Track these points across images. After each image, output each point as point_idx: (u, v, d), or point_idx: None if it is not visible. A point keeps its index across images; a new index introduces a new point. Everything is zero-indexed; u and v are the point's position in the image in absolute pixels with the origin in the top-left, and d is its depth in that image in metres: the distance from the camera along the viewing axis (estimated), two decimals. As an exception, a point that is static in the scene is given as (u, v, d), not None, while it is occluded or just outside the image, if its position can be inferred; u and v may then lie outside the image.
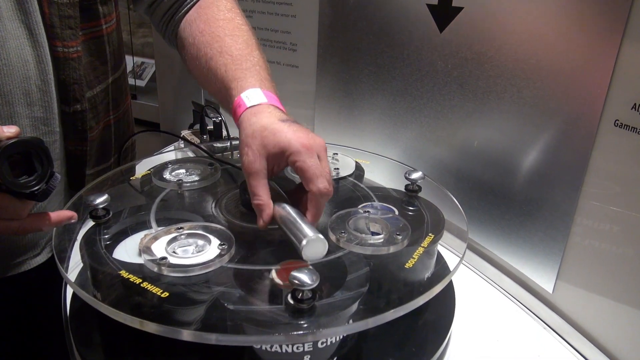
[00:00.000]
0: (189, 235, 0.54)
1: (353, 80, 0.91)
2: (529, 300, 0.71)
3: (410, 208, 0.67)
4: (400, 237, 0.56)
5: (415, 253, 0.56)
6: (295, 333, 0.44)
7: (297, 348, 0.48)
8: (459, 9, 0.72)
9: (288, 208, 0.53)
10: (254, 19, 1.04)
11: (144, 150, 0.89)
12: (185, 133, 1.14)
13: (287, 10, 0.98)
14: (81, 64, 0.63)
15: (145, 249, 0.52)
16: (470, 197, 0.78)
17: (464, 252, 0.59)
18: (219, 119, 1.03)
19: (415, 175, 0.69)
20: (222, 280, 0.50)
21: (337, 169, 0.74)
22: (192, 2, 0.68)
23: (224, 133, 1.03)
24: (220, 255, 0.51)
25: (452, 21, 0.73)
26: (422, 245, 0.57)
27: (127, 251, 0.54)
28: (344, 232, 0.56)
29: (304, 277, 0.44)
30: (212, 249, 0.52)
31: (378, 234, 0.58)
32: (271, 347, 0.48)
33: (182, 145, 1.12)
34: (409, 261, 0.55)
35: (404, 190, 0.70)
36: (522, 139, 0.70)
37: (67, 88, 0.62)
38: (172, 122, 1.33)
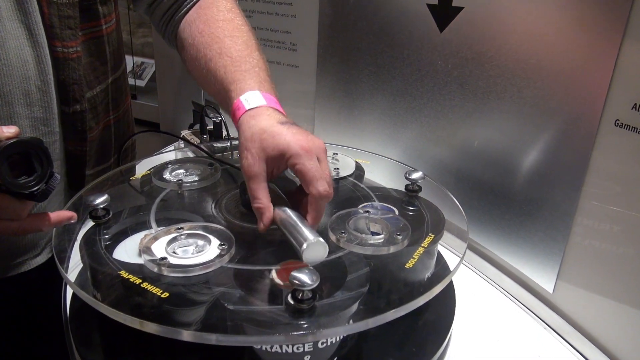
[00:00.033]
0: (189, 236, 0.54)
1: (353, 80, 0.91)
2: (529, 300, 0.71)
3: (411, 208, 0.67)
4: (400, 237, 0.56)
5: (416, 253, 0.56)
6: (295, 333, 0.44)
7: (297, 348, 0.48)
8: (459, 8, 0.72)
9: (288, 211, 0.53)
10: (254, 19, 1.04)
11: (144, 150, 0.89)
12: (185, 133, 1.14)
13: (287, 10, 0.98)
14: (81, 64, 0.63)
15: (145, 249, 0.52)
16: (470, 197, 0.78)
17: (464, 252, 0.59)
18: (219, 119, 1.03)
19: (416, 175, 0.69)
20: (222, 280, 0.50)
21: (337, 169, 0.74)
22: (191, 2, 0.68)
23: (224, 133, 1.03)
24: (220, 256, 0.51)
25: (452, 21, 0.73)
26: (422, 245, 0.57)
27: (127, 251, 0.54)
28: (344, 232, 0.56)
29: (304, 277, 0.44)
30: (212, 249, 0.52)
31: (378, 234, 0.58)
32: (271, 348, 0.48)
33: (182, 146, 1.12)
34: (409, 261, 0.55)
35: (404, 190, 0.70)
36: (523, 138, 0.70)
37: (67, 88, 0.62)
38: (172, 122, 1.33)
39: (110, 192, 0.60)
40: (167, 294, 0.47)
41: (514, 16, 0.67)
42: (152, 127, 1.49)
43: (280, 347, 0.48)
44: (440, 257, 0.63)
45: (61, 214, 0.53)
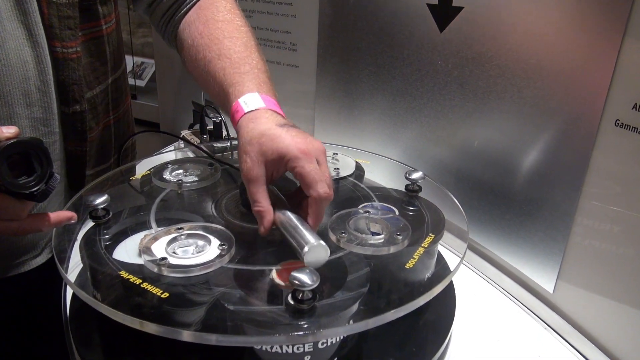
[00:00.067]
0: (189, 236, 0.54)
1: (353, 80, 0.91)
2: (529, 300, 0.71)
3: (411, 208, 0.67)
4: (400, 237, 0.56)
5: (416, 253, 0.56)
6: (295, 334, 0.44)
7: (298, 348, 0.48)
8: (459, 8, 0.72)
9: (289, 214, 0.53)
10: (254, 19, 1.04)
11: (144, 151, 0.89)
12: (185, 133, 1.14)
13: (287, 10, 0.98)
14: (80, 64, 0.63)
15: (145, 250, 0.52)
16: (470, 197, 0.78)
17: (465, 252, 0.59)
18: (219, 119, 1.02)
19: (416, 175, 0.69)
20: (222, 280, 0.50)
21: (337, 169, 0.74)
22: (191, 3, 0.68)
23: (224, 133, 1.03)
24: (220, 256, 0.51)
25: (453, 21, 0.73)
26: (422, 245, 0.57)
27: (127, 251, 0.54)
28: (344, 233, 0.56)
29: (304, 277, 0.44)
30: (212, 249, 0.52)
31: (378, 234, 0.58)
32: (271, 348, 0.48)
33: (182, 146, 1.12)
34: (410, 261, 0.55)
35: (404, 190, 0.70)
36: (523, 138, 0.70)
37: (67, 89, 0.62)
38: (172, 122, 1.33)
39: (110, 192, 0.60)
40: (167, 294, 0.47)
41: (514, 16, 0.67)
42: (152, 127, 1.49)
43: (281, 347, 0.48)
44: (440, 257, 0.63)
45: (61, 214, 0.53)
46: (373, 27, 0.84)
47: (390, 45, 0.83)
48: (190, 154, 1.03)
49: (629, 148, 0.56)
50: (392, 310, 0.46)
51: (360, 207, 0.63)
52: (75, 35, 0.61)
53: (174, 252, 0.52)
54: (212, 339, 0.43)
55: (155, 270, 0.49)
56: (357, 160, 0.78)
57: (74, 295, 0.58)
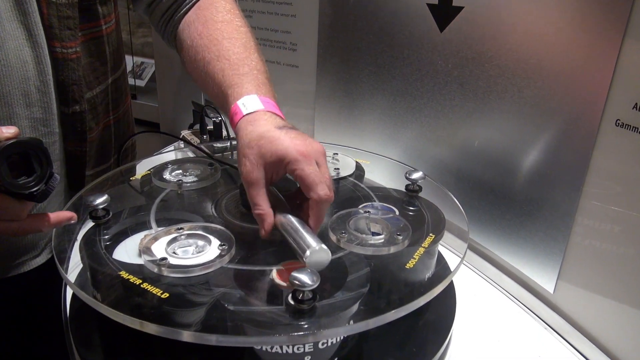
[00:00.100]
0: (189, 236, 0.54)
1: (353, 80, 0.91)
2: (529, 301, 0.71)
3: (411, 208, 0.67)
4: (400, 238, 0.56)
5: (416, 253, 0.56)
6: (295, 334, 0.44)
7: (298, 349, 0.48)
8: (460, 8, 0.72)
9: (290, 216, 0.52)
10: (253, 19, 1.04)
11: (144, 151, 0.89)
12: (185, 133, 1.14)
13: (287, 10, 0.98)
14: (80, 64, 0.63)
15: (145, 250, 0.52)
16: (470, 197, 0.78)
17: (465, 252, 0.59)
18: (219, 119, 1.02)
19: (416, 175, 0.69)
20: (223, 281, 0.50)
21: (338, 169, 0.74)
22: (190, 3, 0.67)
23: (224, 133, 1.03)
24: (220, 256, 0.51)
25: (453, 21, 0.73)
26: (422, 245, 0.57)
27: (127, 252, 0.54)
28: (344, 233, 0.56)
29: (305, 277, 0.44)
30: (212, 249, 0.52)
31: (378, 234, 0.58)
32: (272, 348, 0.48)
33: (182, 146, 1.12)
34: (410, 261, 0.54)
35: (404, 190, 0.70)
36: (523, 138, 0.70)
37: (66, 89, 0.62)
38: (172, 122, 1.33)
39: (110, 193, 0.60)
40: (167, 295, 0.47)
41: (514, 16, 0.67)
42: (152, 127, 1.49)
43: (281, 347, 0.48)
44: (440, 257, 0.63)
45: (61, 215, 0.53)
46: (373, 27, 0.84)
47: (390, 45, 0.83)
48: (190, 154, 1.03)
49: (629, 148, 0.56)
50: (393, 311, 0.46)
51: (360, 207, 0.63)
52: (75, 35, 0.61)
53: (174, 253, 0.52)
54: (212, 339, 0.42)
55: (156, 270, 0.49)
56: (357, 160, 0.78)
57: (74, 296, 0.58)
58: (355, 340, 0.54)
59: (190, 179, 0.69)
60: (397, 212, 0.64)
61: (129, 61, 1.83)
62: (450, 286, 0.64)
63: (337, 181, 0.72)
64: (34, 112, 0.60)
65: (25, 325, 0.74)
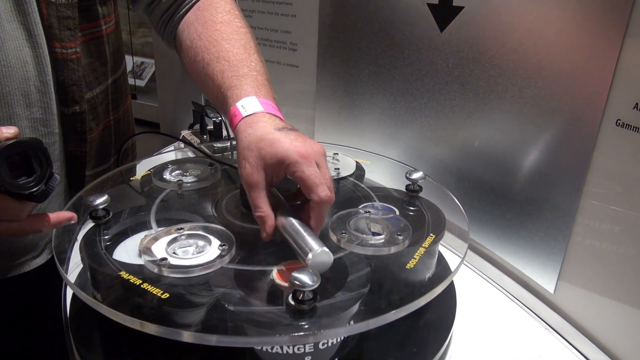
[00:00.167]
0: (189, 236, 0.54)
1: (353, 79, 0.91)
2: (530, 301, 0.71)
3: (411, 208, 0.67)
4: (401, 238, 0.56)
5: (417, 253, 0.56)
6: (296, 334, 0.44)
7: (298, 349, 0.48)
8: (460, 8, 0.72)
9: (291, 218, 0.52)
10: (253, 19, 1.04)
11: (144, 151, 0.89)
12: (185, 133, 1.14)
13: (287, 9, 0.98)
14: (80, 65, 0.63)
15: (145, 250, 0.52)
16: (471, 197, 0.78)
17: (465, 253, 0.59)
18: (219, 119, 1.02)
19: (416, 175, 0.69)
20: (223, 281, 0.50)
21: (338, 169, 0.74)
22: (190, 3, 0.67)
23: (224, 133, 1.03)
24: (220, 256, 0.51)
25: (453, 20, 0.73)
26: (423, 245, 0.57)
27: (127, 252, 0.54)
28: (344, 233, 0.56)
29: (305, 278, 0.44)
30: (212, 249, 0.52)
31: (379, 234, 0.58)
32: (272, 348, 0.48)
33: (182, 146, 1.12)
34: (410, 261, 0.54)
35: (404, 190, 0.70)
36: (523, 138, 0.69)
37: (66, 89, 0.62)
38: (172, 122, 1.33)
39: (110, 193, 0.60)
40: (168, 295, 0.47)
41: (514, 16, 0.66)
42: (152, 127, 1.49)
43: (281, 348, 0.48)
44: (441, 257, 0.63)
45: (61, 215, 0.53)
46: (373, 27, 0.84)
47: (390, 45, 0.83)
48: (191, 154, 1.02)
49: (629, 148, 0.56)
50: (393, 311, 0.46)
51: (360, 207, 0.63)
52: (75, 35, 0.61)
53: (174, 253, 0.52)
54: (213, 339, 0.42)
55: (156, 270, 0.49)
56: (358, 160, 0.78)
57: (74, 296, 0.58)
58: (356, 340, 0.54)
59: (190, 179, 0.69)
60: (398, 212, 0.64)
61: (129, 61, 1.83)
62: (451, 286, 0.64)
63: (338, 181, 0.72)
64: (34, 113, 0.60)
65: (25, 325, 0.74)
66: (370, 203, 0.66)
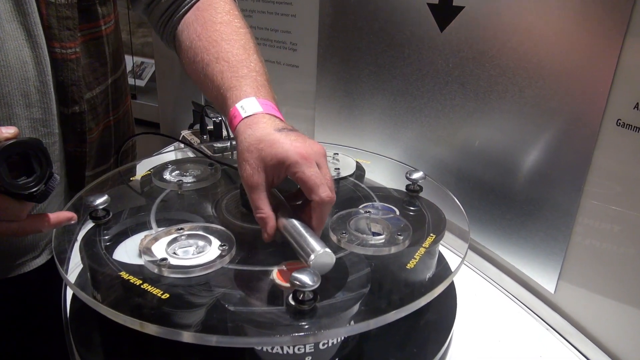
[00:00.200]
0: (190, 236, 0.54)
1: (353, 79, 0.91)
2: (530, 301, 0.71)
3: (412, 208, 0.67)
4: (401, 238, 0.56)
5: (417, 253, 0.56)
6: (296, 334, 0.44)
7: (299, 349, 0.48)
8: (460, 8, 0.72)
9: (292, 219, 0.52)
10: (253, 19, 1.04)
11: (144, 151, 0.89)
12: (185, 133, 1.14)
13: (287, 9, 0.98)
14: (80, 65, 0.63)
15: (145, 250, 0.51)
16: (471, 197, 0.78)
17: (466, 253, 0.59)
18: (219, 119, 1.02)
19: (416, 175, 0.69)
20: (223, 281, 0.50)
21: (338, 169, 0.74)
22: (190, 4, 0.67)
23: (224, 133, 1.03)
24: (220, 256, 0.51)
25: (453, 20, 0.73)
26: (423, 245, 0.57)
27: (127, 252, 0.54)
28: (345, 233, 0.56)
29: (305, 278, 0.44)
30: (212, 249, 0.52)
31: (379, 234, 0.58)
32: (272, 349, 0.48)
33: (182, 146, 1.12)
34: (411, 261, 0.54)
35: (405, 190, 0.70)
36: (524, 138, 0.69)
37: (66, 89, 0.62)
38: (172, 122, 1.33)
39: (110, 193, 0.60)
40: (168, 295, 0.47)
41: (515, 15, 0.66)
42: (152, 127, 1.49)
43: (282, 348, 0.48)
44: (441, 258, 0.62)
45: (61, 215, 0.53)
46: (373, 27, 0.84)
47: (390, 44, 0.83)
48: (191, 154, 1.02)
49: (630, 148, 0.56)
50: (393, 311, 0.46)
51: (361, 207, 0.63)
52: (74, 35, 0.61)
53: (174, 253, 0.52)
54: (213, 340, 0.42)
55: (156, 271, 0.49)
56: (358, 160, 0.78)
57: (74, 296, 0.58)
58: (356, 340, 0.54)
59: (190, 179, 0.69)
60: (398, 212, 0.64)
61: (129, 61, 1.83)
62: (451, 286, 0.64)
63: (338, 181, 0.72)
64: (33, 113, 0.60)
65: (25, 325, 0.74)
66: (370, 203, 0.66)
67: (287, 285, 0.48)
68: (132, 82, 1.79)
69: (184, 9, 0.67)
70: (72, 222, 0.54)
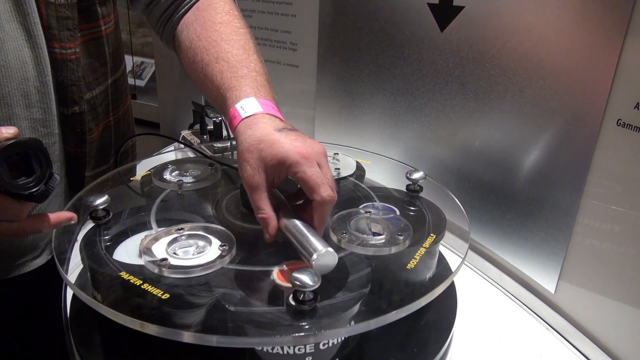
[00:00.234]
0: (190, 236, 0.54)
1: (354, 79, 0.91)
2: (531, 301, 0.70)
3: (412, 208, 0.67)
4: (401, 238, 0.56)
5: (417, 253, 0.55)
6: (296, 335, 0.44)
7: (299, 349, 0.48)
8: (460, 8, 0.72)
9: (294, 219, 0.52)
10: (253, 19, 1.04)
11: (144, 151, 0.89)
12: (185, 133, 1.14)
13: (287, 9, 0.98)
14: (79, 65, 0.63)
15: (145, 250, 0.51)
16: (471, 197, 0.78)
17: (466, 253, 0.59)
18: (219, 119, 1.02)
19: (417, 175, 0.69)
20: (223, 281, 0.50)
21: (338, 169, 0.74)
22: (189, 4, 0.67)
23: (224, 133, 1.03)
24: (221, 257, 0.51)
25: (453, 20, 0.73)
26: (423, 245, 0.57)
27: (127, 252, 0.54)
28: (345, 233, 0.56)
29: (306, 278, 0.44)
30: (212, 250, 0.52)
31: (379, 234, 0.58)
32: (272, 349, 0.48)
33: (183, 146, 1.12)
34: (411, 262, 0.54)
35: (405, 190, 0.70)
36: (524, 138, 0.69)
37: (65, 90, 0.62)
38: (172, 122, 1.33)
39: (110, 193, 0.60)
40: (168, 295, 0.47)
41: (515, 15, 0.66)
42: (152, 127, 1.49)
43: (282, 348, 0.48)
44: (441, 258, 0.62)
45: (61, 215, 0.53)
46: (374, 27, 0.84)
47: (390, 44, 0.83)
48: (191, 154, 1.02)
49: (630, 148, 0.56)
50: (394, 311, 0.46)
51: (361, 207, 0.63)
52: (74, 36, 0.61)
53: (174, 253, 0.52)
54: (213, 340, 0.42)
55: (156, 271, 0.49)
56: (358, 160, 0.78)
57: (74, 296, 0.58)
58: (357, 340, 0.54)
59: (190, 179, 0.69)
60: (398, 212, 0.64)
61: (129, 61, 1.83)
62: (451, 286, 0.64)
63: (338, 181, 0.72)
64: (33, 113, 0.60)
65: (25, 325, 0.74)
66: (370, 203, 0.66)
67: (288, 285, 0.48)
68: (132, 82, 1.79)
69: (183, 9, 0.67)
70: (72, 222, 0.54)
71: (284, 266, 0.51)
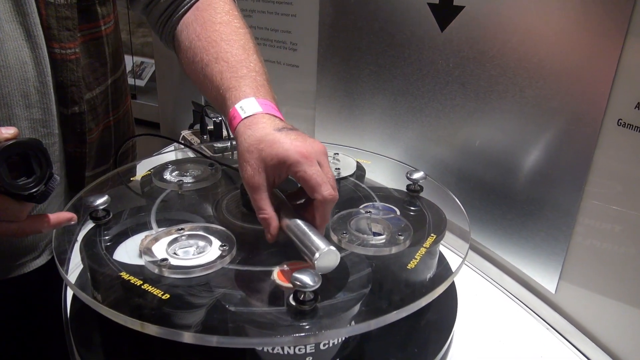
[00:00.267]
0: (190, 237, 0.54)
1: (354, 79, 0.91)
2: (531, 301, 0.70)
3: (412, 208, 0.67)
4: (402, 238, 0.56)
5: (418, 253, 0.55)
6: (297, 335, 0.44)
7: (299, 350, 0.48)
8: (460, 7, 0.72)
9: (296, 219, 0.52)
10: (253, 19, 1.04)
11: (144, 151, 0.89)
12: (185, 133, 1.14)
13: (287, 9, 0.98)
14: (79, 65, 0.63)
15: (145, 250, 0.51)
16: (472, 197, 0.77)
17: (467, 253, 0.59)
18: (219, 119, 1.02)
19: (417, 175, 0.69)
20: (224, 281, 0.50)
21: (338, 169, 0.74)
22: (189, 4, 0.67)
23: (224, 133, 1.03)
24: (221, 257, 0.51)
25: (454, 20, 0.73)
26: (424, 245, 0.57)
27: (127, 252, 0.54)
28: (345, 233, 0.56)
29: (306, 278, 0.43)
30: (213, 250, 0.52)
31: (380, 234, 0.57)
32: (273, 349, 0.48)
33: (183, 146, 1.11)
34: (411, 262, 0.54)
35: (405, 190, 0.70)
36: (524, 138, 0.69)
37: (65, 90, 0.62)
38: (172, 122, 1.33)
39: (111, 193, 0.60)
40: (168, 296, 0.47)
41: (515, 15, 0.66)
42: (152, 127, 1.49)
43: (282, 348, 0.48)
44: (442, 258, 0.62)
45: (61, 215, 0.53)
46: (374, 27, 0.84)
47: (391, 44, 0.83)
48: (191, 154, 1.02)
49: (631, 147, 0.56)
50: (394, 311, 0.46)
51: (361, 207, 0.63)
52: (74, 36, 0.61)
53: (174, 253, 0.52)
54: (213, 340, 0.42)
55: (156, 271, 0.49)
56: (358, 160, 0.78)
57: (74, 297, 0.58)
58: (357, 340, 0.54)
59: (190, 179, 0.69)
60: (398, 212, 0.64)
61: (129, 61, 1.83)
62: (452, 286, 0.64)
63: (338, 181, 0.72)
64: (33, 113, 0.60)
65: (25, 325, 0.74)
66: (371, 203, 0.66)
67: (288, 285, 0.48)
68: (132, 82, 1.79)
69: (183, 9, 0.67)
70: (72, 222, 0.54)
71: (285, 266, 0.51)
